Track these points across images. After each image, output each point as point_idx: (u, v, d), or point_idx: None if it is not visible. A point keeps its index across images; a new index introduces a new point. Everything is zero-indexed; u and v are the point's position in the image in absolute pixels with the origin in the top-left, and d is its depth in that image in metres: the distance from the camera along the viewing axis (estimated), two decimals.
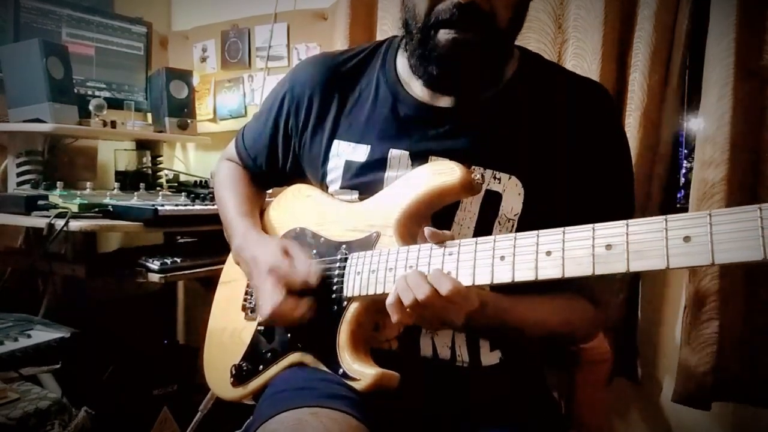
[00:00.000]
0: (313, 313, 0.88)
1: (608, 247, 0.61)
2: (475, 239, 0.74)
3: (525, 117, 0.91)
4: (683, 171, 1.64)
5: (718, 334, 1.44)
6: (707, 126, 1.44)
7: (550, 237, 0.66)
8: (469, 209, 0.88)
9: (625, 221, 0.61)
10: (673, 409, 1.61)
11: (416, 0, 0.86)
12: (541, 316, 0.87)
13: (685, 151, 1.62)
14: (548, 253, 0.66)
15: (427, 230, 0.77)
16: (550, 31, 1.62)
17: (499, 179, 0.88)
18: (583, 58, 1.56)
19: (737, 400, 1.51)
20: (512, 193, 0.88)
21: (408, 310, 0.75)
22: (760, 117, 1.43)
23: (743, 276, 1.46)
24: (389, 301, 0.77)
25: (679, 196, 1.56)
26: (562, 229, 0.66)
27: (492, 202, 0.88)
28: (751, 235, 0.53)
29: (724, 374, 1.47)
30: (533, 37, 1.63)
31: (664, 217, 0.59)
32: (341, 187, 0.95)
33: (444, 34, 0.83)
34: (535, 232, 0.68)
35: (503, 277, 0.69)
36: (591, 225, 0.64)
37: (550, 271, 0.65)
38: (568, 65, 1.59)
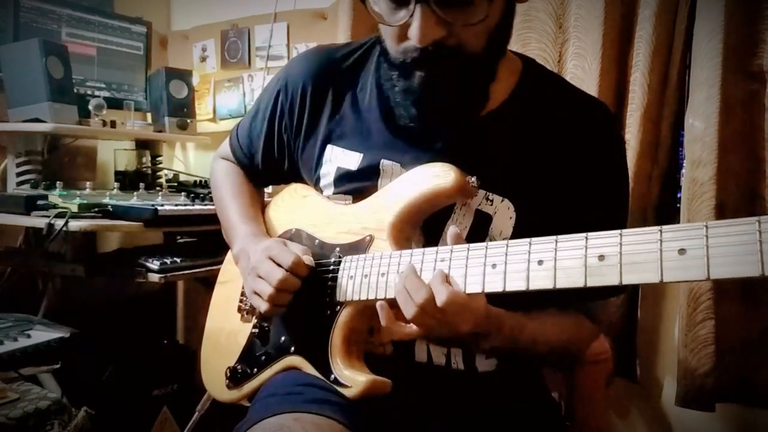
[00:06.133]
0: (306, 314, 0.88)
1: (601, 257, 0.59)
2: (467, 245, 0.72)
3: (522, 137, 0.88)
4: (683, 171, 1.63)
5: (714, 334, 1.44)
6: (696, 126, 1.44)
7: (542, 245, 0.65)
8: (461, 221, 0.86)
9: (618, 231, 0.59)
10: (673, 408, 1.60)
11: (385, 35, 0.83)
12: (550, 335, 0.86)
13: (685, 151, 1.62)
14: (540, 263, 0.64)
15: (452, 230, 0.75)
16: (551, 30, 1.62)
17: (491, 201, 0.85)
18: (584, 58, 1.56)
19: (740, 402, 1.50)
20: (503, 217, 0.85)
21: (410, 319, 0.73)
22: (750, 117, 1.43)
23: None
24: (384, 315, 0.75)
25: (678, 195, 1.56)
26: (554, 237, 0.64)
27: (482, 223, 0.86)
28: (749, 250, 0.50)
29: (725, 375, 1.46)
30: (534, 37, 1.63)
31: (659, 228, 0.56)
32: (334, 193, 0.94)
33: (416, 74, 0.80)
34: (528, 240, 0.66)
35: (495, 286, 0.68)
36: (584, 234, 0.62)
37: (541, 281, 0.63)
38: (569, 65, 1.59)
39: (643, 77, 1.49)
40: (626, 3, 1.54)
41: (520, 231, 0.85)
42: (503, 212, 0.85)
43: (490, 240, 0.85)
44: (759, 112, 1.42)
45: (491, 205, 0.86)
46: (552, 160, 0.87)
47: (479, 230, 0.86)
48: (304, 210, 1.00)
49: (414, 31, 0.75)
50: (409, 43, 0.78)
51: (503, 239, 0.85)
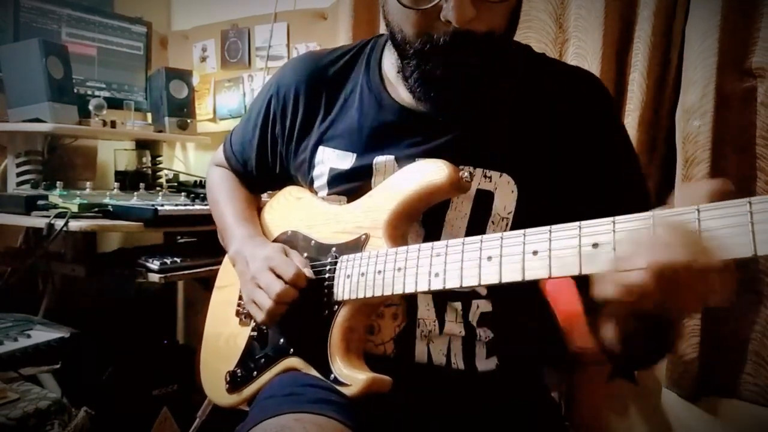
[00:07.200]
0: (304, 315, 0.87)
1: (595, 245, 0.59)
2: (462, 239, 0.72)
3: (515, 111, 0.88)
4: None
5: (700, 326, 1.47)
6: (691, 124, 1.45)
7: (536, 236, 0.65)
8: (460, 209, 0.86)
9: (611, 219, 0.59)
10: (673, 408, 1.61)
11: (402, 23, 0.81)
12: None
13: (678, 149, 1.62)
14: (535, 253, 0.64)
15: None
16: (551, 30, 1.62)
17: (490, 177, 0.86)
18: (584, 58, 1.56)
19: (726, 395, 1.52)
20: (505, 191, 0.86)
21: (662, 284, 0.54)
22: (744, 114, 1.44)
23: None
24: (635, 281, 0.55)
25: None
26: (548, 227, 0.64)
27: (484, 201, 0.86)
28: (741, 231, 0.50)
29: (710, 367, 1.49)
30: (534, 37, 1.63)
31: (650, 213, 0.56)
32: (328, 194, 0.95)
33: (442, 63, 0.79)
34: (522, 231, 0.66)
35: (491, 278, 0.68)
36: (577, 223, 0.62)
37: (537, 271, 0.63)
38: None
39: (641, 77, 1.49)
40: (626, 3, 1.54)
41: (525, 203, 0.85)
42: (504, 187, 0.86)
43: (495, 217, 0.86)
44: (752, 110, 1.43)
45: (490, 182, 0.86)
46: (549, 130, 0.87)
47: (482, 210, 0.86)
48: (299, 211, 1.00)
49: (451, 11, 0.74)
50: (438, 31, 0.78)
51: (508, 214, 0.86)
